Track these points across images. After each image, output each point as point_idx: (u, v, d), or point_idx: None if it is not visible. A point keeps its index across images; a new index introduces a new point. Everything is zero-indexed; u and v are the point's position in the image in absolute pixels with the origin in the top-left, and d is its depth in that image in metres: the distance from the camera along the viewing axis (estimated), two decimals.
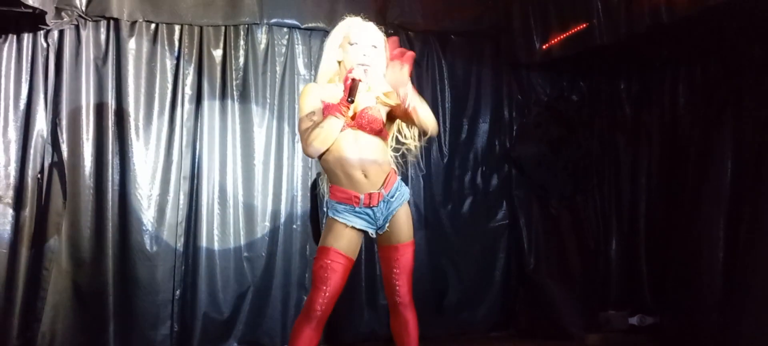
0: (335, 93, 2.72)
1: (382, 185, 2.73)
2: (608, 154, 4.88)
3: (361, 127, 2.70)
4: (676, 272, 4.22)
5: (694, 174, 4.14)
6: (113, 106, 4.08)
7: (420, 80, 4.64)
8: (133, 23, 4.12)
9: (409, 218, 2.83)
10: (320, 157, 2.75)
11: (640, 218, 4.66)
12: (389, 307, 2.84)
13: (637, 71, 4.72)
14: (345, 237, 2.71)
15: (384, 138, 2.80)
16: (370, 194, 2.70)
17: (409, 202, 2.84)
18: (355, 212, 2.71)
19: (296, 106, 4.39)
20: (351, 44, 2.74)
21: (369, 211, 2.72)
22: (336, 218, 2.72)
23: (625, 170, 4.78)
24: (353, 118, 2.69)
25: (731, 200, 3.88)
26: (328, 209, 2.78)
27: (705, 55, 4.15)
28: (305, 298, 4.26)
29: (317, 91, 2.74)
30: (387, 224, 2.76)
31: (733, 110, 3.92)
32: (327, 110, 2.66)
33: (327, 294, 2.64)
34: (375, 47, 2.76)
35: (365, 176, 2.71)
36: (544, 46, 4.47)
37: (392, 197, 2.76)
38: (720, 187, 3.93)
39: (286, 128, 4.36)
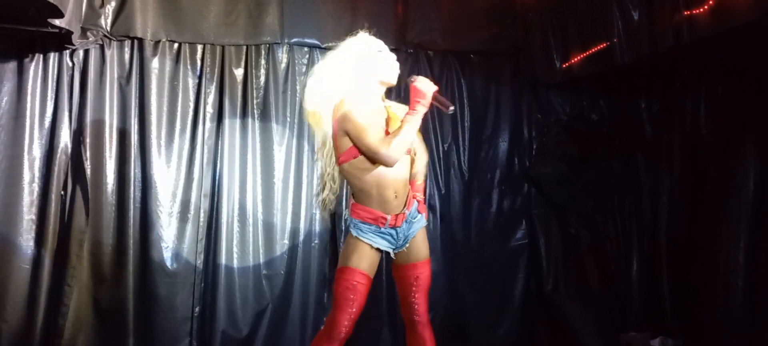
0: (376, 107, 2.77)
1: (405, 205, 2.76)
2: (628, 173, 4.84)
3: None
4: (699, 294, 4.16)
5: (716, 193, 4.09)
6: (136, 125, 4.13)
7: None
8: (157, 43, 4.19)
9: (426, 237, 2.87)
10: (351, 178, 2.75)
11: (661, 237, 4.59)
12: (406, 326, 2.86)
13: (657, 90, 4.68)
14: (368, 258, 2.73)
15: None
16: (396, 215, 2.73)
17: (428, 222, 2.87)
18: (380, 232, 2.73)
19: None
20: (380, 51, 2.79)
21: (393, 231, 2.74)
22: (360, 237, 2.73)
23: (646, 190, 4.73)
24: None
25: (753, 220, 3.83)
26: (350, 227, 2.79)
27: (727, 74, 4.11)
28: (324, 317, 4.28)
29: (363, 107, 2.72)
30: (406, 244, 2.79)
31: (755, 129, 3.88)
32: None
33: (353, 315, 2.66)
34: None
35: (395, 195, 2.73)
36: (563, 65, 4.46)
37: (413, 217, 2.80)
38: (742, 206, 3.87)
39: (306, 147, 4.38)
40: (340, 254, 2.86)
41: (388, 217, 2.72)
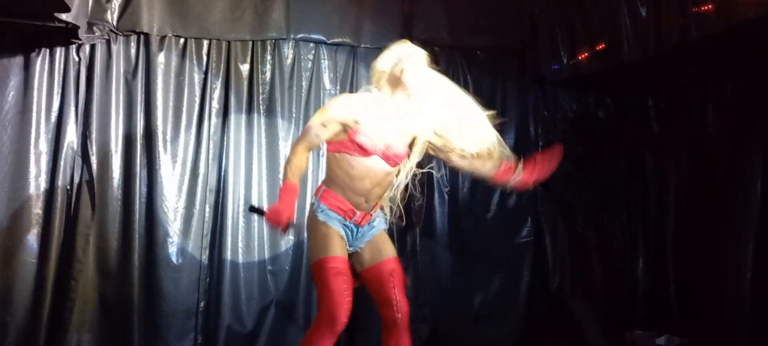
0: (369, 106, 2.73)
1: (372, 208, 2.80)
2: (635, 171, 4.82)
3: (386, 159, 2.73)
4: (705, 292, 4.15)
5: (723, 192, 4.08)
6: (142, 120, 4.14)
7: None
8: (163, 38, 4.19)
9: (388, 238, 2.89)
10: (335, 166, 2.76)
11: (667, 236, 4.58)
12: (385, 327, 2.75)
13: (665, 88, 4.66)
14: (341, 244, 2.72)
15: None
16: (363, 214, 2.75)
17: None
18: (344, 223, 2.73)
19: None
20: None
21: (354, 228, 2.76)
22: (329, 224, 2.71)
23: (653, 188, 4.71)
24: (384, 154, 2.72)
25: (760, 219, 3.81)
26: (318, 211, 2.75)
27: (734, 72, 4.09)
28: None
29: (348, 104, 2.75)
30: (358, 246, 2.79)
31: (762, 128, 3.86)
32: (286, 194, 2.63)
33: (350, 303, 2.62)
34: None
35: (366, 201, 2.76)
36: (570, 62, 4.44)
37: (374, 221, 2.82)
38: (749, 205, 3.86)
39: None
40: (311, 244, 2.79)
41: (357, 213, 2.73)
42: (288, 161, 2.68)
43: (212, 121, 4.26)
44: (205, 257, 4.20)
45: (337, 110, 2.73)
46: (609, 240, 4.82)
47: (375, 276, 2.76)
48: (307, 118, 4.38)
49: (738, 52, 3.83)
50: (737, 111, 4.06)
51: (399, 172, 2.87)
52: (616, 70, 4.22)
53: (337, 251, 2.66)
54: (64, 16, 3.56)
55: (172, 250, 4.12)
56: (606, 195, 4.85)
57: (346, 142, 2.69)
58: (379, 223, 2.85)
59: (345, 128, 2.69)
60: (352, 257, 2.81)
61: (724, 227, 4.02)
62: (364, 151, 2.67)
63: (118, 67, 4.12)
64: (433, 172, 2.97)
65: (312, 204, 2.82)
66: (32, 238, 3.93)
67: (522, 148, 4.77)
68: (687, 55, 3.89)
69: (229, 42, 4.30)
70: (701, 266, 4.22)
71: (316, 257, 2.70)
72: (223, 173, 4.26)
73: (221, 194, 4.24)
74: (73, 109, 4.05)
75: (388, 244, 2.83)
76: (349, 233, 2.76)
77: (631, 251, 4.80)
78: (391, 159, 2.73)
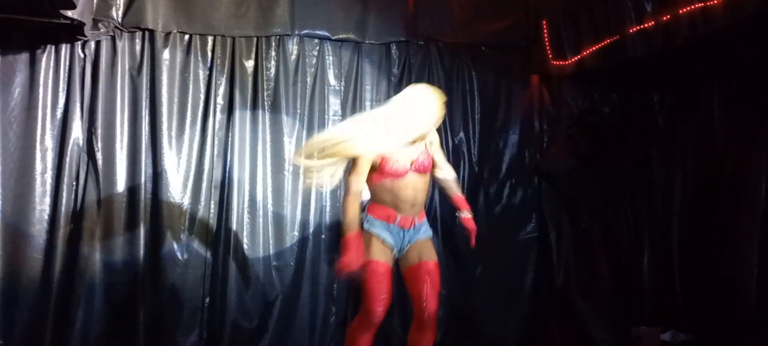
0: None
1: (418, 213, 3.04)
2: (641, 167, 4.80)
3: (418, 171, 2.98)
4: (710, 289, 4.14)
5: (729, 189, 4.06)
6: (147, 116, 4.16)
7: (450, 93, 4.62)
8: (168, 34, 4.20)
9: (433, 247, 3.12)
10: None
11: (673, 233, 4.55)
12: (414, 320, 3.02)
13: (671, 83, 4.64)
14: (382, 249, 2.96)
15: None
16: (405, 217, 2.99)
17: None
18: (389, 228, 2.98)
19: (326, 117, 4.42)
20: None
21: (400, 231, 3.00)
22: (372, 231, 2.98)
23: (659, 184, 4.69)
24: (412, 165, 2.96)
25: (766, 215, 3.79)
26: (363, 220, 3.01)
27: (741, 68, 4.07)
28: (333, 307, 4.31)
29: (370, 145, 2.93)
30: (405, 250, 3.03)
31: None
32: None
33: (385, 301, 2.89)
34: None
35: (412, 206, 3.01)
36: (575, 58, 4.42)
37: (421, 227, 3.07)
38: (755, 201, 3.84)
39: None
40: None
41: (399, 216, 2.99)
42: (344, 216, 2.89)
43: (217, 117, 4.27)
44: (210, 253, 4.22)
45: (364, 160, 2.91)
46: (614, 236, 4.80)
47: (414, 274, 3.02)
48: (311, 114, 4.40)
49: (744, 48, 3.81)
50: (743, 107, 4.04)
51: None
52: (622, 66, 4.21)
53: (377, 255, 2.94)
54: (69, 13, 3.57)
55: (178, 246, 4.14)
56: (611, 191, 4.83)
57: (382, 173, 2.96)
58: (425, 230, 3.08)
59: (374, 166, 2.95)
60: (401, 260, 3.07)
61: (729, 223, 4.01)
62: (398, 175, 2.96)
63: (123, 64, 4.13)
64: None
65: (361, 218, 3.03)
66: (38, 234, 3.96)
67: (526, 144, 4.78)
68: (692, 50, 3.87)
69: (233, 38, 4.31)
70: (707, 263, 4.21)
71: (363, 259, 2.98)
72: (227, 169, 4.28)
73: (226, 190, 4.26)
74: (78, 105, 4.07)
75: (431, 250, 3.06)
76: (398, 238, 3.01)
77: (636, 247, 4.78)
78: (421, 169, 3.00)
